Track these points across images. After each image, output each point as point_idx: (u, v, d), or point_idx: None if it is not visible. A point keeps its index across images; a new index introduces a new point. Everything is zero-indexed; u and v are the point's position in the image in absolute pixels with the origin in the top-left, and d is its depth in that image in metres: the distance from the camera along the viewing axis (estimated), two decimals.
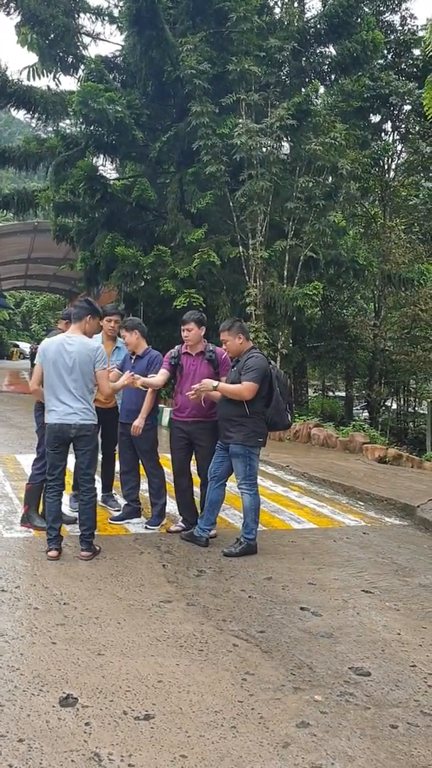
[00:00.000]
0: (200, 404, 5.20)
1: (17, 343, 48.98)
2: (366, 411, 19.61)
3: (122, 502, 5.99)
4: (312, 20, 15.09)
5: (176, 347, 5.55)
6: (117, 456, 6.08)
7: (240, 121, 12.74)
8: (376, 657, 3.31)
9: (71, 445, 4.81)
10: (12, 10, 14.91)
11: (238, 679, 3.01)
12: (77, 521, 5.05)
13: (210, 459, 5.33)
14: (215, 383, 5.03)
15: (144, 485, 5.82)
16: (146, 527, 5.54)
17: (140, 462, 5.75)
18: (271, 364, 5.12)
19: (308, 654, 3.32)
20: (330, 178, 13.61)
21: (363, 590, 4.32)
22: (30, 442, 8.88)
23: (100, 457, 5.99)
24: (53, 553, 4.59)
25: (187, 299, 12.84)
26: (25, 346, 44.29)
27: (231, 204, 13.15)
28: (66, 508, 5.63)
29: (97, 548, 4.77)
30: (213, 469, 5.21)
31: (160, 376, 5.42)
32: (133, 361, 5.71)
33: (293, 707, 2.79)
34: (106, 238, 14.24)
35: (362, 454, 10.31)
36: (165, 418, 10.43)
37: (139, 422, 5.45)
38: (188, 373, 5.40)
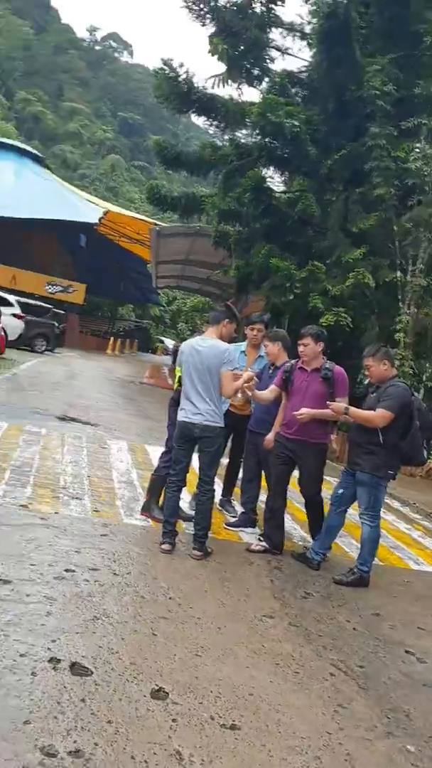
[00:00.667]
0: (308, 424, 5.03)
1: (163, 339, 50.72)
2: None
3: (239, 509, 6.01)
4: None
5: (291, 361, 5.37)
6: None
7: (418, 145, 12.43)
8: None
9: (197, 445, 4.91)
10: (207, 21, 15.48)
11: (330, 709, 2.92)
12: (191, 521, 5.14)
13: (314, 482, 5.22)
14: (346, 407, 4.84)
15: (263, 496, 5.80)
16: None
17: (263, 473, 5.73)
18: (414, 396, 4.91)
19: (406, 700, 3.16)
20: None
21: None
22: (161, 434, 9.12)
23: (225, 461, 6.05)
24: (166, 546, 4.67)
25: (335, 318, 12.67)
26: (169, 343, 45.81)
27: (395, 228, 12.86)
28: (185, 504, 5.72)
29: (209, 550, 4.80)
30: (337, 493, 5.10)
31: (268, 393, 5.34)
32: (270, 371, 5.65)
33: (383, 751, 2.66)
34: (263, 248, 14.36)
35: None
36: None
37: (271, 436, 5.42)
38: (299, 388, 5.19)
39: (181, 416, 4.87)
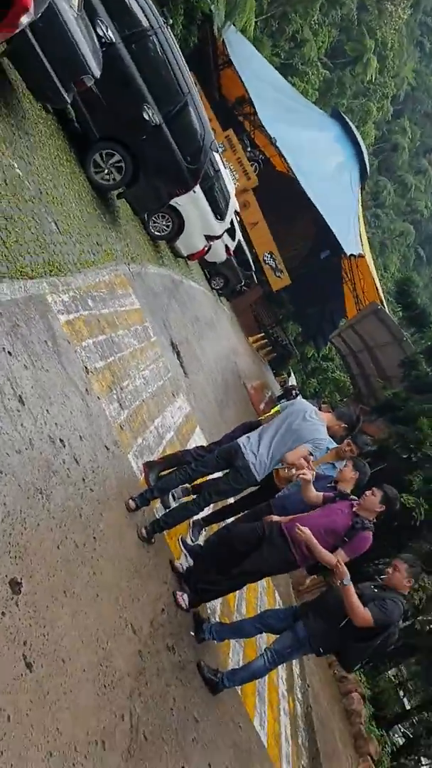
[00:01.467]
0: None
1: (291, 373, 50.54)
2: None
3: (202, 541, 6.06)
4: None
5: (352, 501, 5.03)
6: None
7: None
8: None
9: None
10: None
11: None
12: (166, 508, 5.28)
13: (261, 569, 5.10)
14: (346, 578, 4.49)
15: None
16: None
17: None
18: (396, 624, 4.75)
19: None
20: None
21: None
22: (215, 432, 9.27)
23: (232, 500, 6.12)
24: (132, 504, 4.78)
25: (412, 507, 12.38)
26: (291, 381, 45.79)
27: None
28: (179, 493, 5.76)
29: (153, 540, 4.85)
30: (268, 616, 5.09)
31: (316, 495, 5.07)
32: (329, 485, 5.30)
33: None
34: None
35: None
36: None
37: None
38: (329, 507, 4.95)
39: (241, 442, 5.00)
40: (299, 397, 5.36)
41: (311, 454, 5.05)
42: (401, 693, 22.11)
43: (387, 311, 23.33)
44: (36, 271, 4.80)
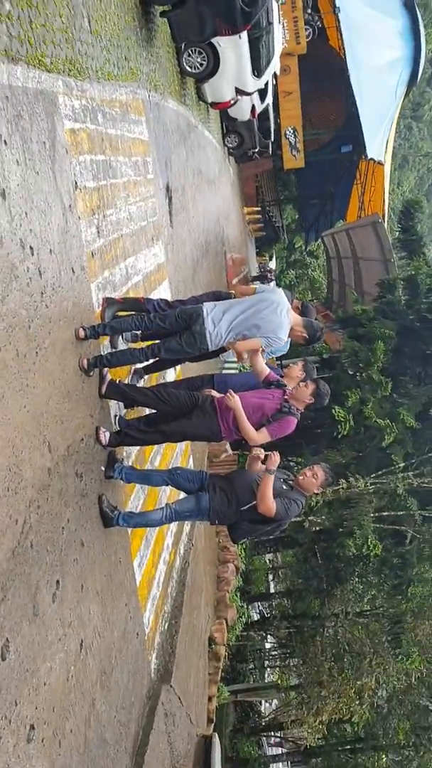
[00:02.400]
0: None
1: (273, 258, 49.88)
2: None
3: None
4: None
5: (286, 403, 5.15)
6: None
7: None
8: None
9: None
10: None
11: None
12: (113, 348, 5.31)
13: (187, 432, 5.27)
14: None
15: None
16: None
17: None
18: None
19: None
20: None
21: None
22: (184, 290, 9.20)
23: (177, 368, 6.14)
24: (81, 332, 4.68)
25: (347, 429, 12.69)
26: (272, 265, 45.33)
27: None
28: (129, 337, 5.74)
29: (91, 374, 4.85)
30: (178, 474, 5.30)
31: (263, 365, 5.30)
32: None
33: None
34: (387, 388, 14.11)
35: None
36: None
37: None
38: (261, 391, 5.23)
39: (206, 308, 5.03)
40: (279, 289, 5.29)
41: (263, 350, 5.17)
42: (270, 576, 23.93)
43: (385, 227, 22.95)
44: (55, 66, 4.45)
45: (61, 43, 4.66)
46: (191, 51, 10.76)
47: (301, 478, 5.16)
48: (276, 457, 4.80)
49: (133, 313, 5.42)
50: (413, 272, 16.42)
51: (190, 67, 11.04)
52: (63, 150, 4.53)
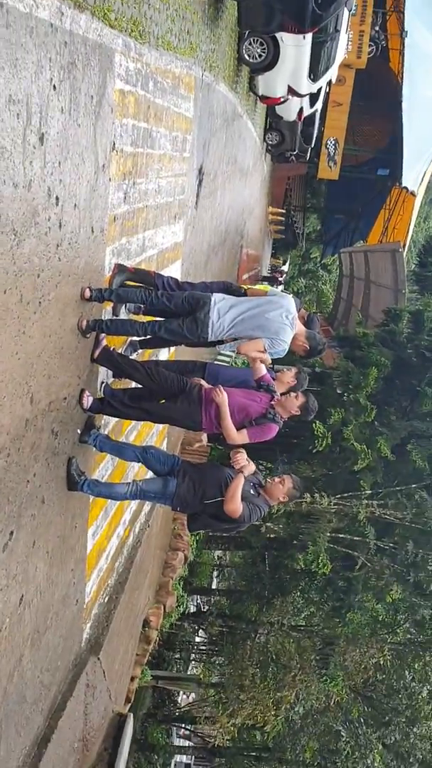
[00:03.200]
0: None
1: (285, 263, 49.80)
2: None
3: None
4: None
5: (272, 409, 5.13)
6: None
7: None
8: None
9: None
10: None
11: None
12: (114, 316, 5.29)
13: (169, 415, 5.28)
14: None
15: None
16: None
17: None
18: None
19: None
20: None
21: None
22: (194, 274, 9.16)
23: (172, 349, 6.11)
24: (87, 292, 4.65)
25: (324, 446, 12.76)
26: (285, 268, 45.26)
27: None
28: (132, 308, 5.69)
29: (87, 336, 4.84)
30: (151, 454, 5.28)
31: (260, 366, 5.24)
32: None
33: None
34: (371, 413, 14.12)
35: None
36: None
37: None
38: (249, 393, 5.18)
39: (215, 297, 5.06)
40: (290, 296, 5.28)
41: (265, 350, 5.16)
42: (215, 573, 24.02)
43: (404, 257, 22.99)
44: (119, 23, 4.40)
45: (130, 1, 4.59)
46: (253, 40, 10.67)
47: (268, 484, 5.17)
48: (252, 466, 4.85)
49: (141, 285, 5.38)
50: (422, 308, 16.48)
51: (249, 56, 10.96)
52: (108, 108, 4.47)
